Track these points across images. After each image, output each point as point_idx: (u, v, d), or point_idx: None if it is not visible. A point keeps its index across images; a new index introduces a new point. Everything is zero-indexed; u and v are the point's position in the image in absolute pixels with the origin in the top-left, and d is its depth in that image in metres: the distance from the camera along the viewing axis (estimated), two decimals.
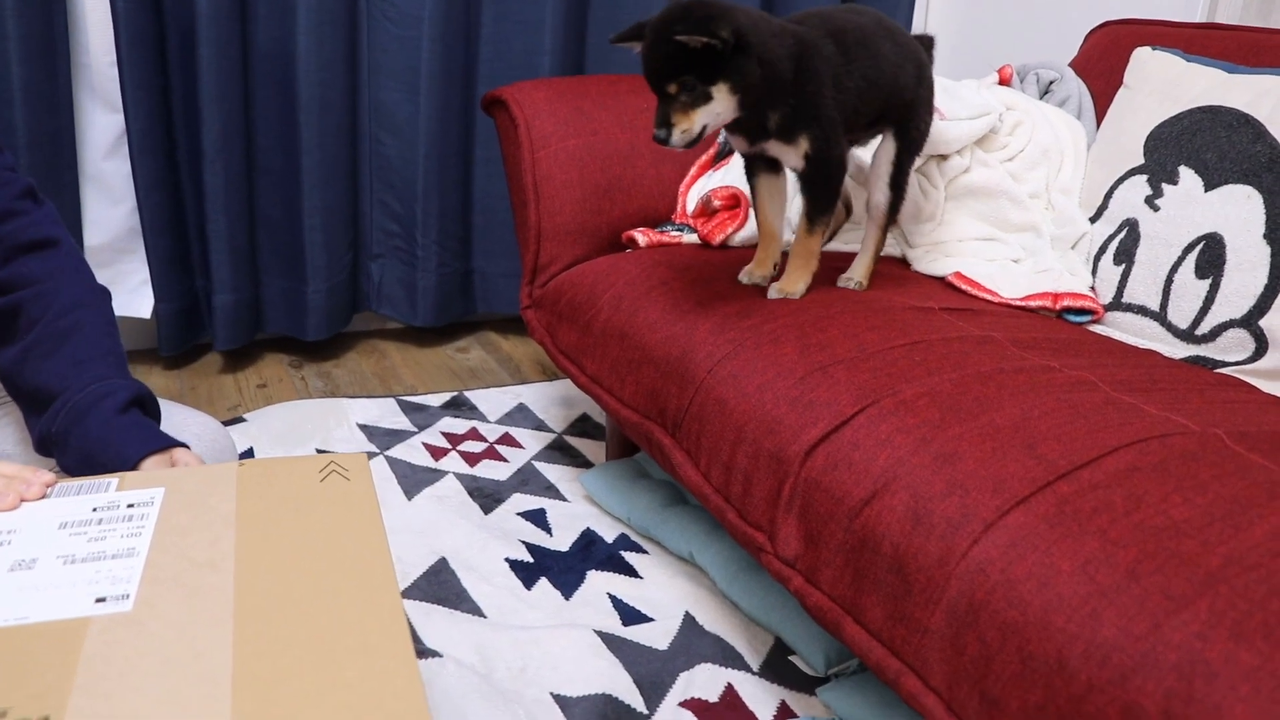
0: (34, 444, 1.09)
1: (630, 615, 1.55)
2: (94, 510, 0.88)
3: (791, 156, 1.47)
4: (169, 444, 1.06)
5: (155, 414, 1.13)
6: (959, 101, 1.82)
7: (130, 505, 0.89)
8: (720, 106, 1.36)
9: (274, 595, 0.77)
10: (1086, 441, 1.03)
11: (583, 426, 2.21)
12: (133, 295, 2.37)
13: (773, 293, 1.50)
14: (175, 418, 1.20)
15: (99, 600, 0.76)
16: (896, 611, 1.00)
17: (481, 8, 2.47)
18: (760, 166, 1.54)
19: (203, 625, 0.73)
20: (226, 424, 2.09)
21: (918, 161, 1.79)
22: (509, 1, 2.47)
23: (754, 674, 1.44)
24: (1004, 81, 2.03)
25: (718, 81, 1.34)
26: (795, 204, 1.62)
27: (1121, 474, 0.97)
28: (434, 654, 1.42)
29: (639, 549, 1.73)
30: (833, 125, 1.46)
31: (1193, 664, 0.76)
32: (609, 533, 1.77)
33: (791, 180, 1.56)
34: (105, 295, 1.17)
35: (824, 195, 1.50)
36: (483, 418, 2.23)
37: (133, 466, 1.02)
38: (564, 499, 1.90)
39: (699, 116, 1.35)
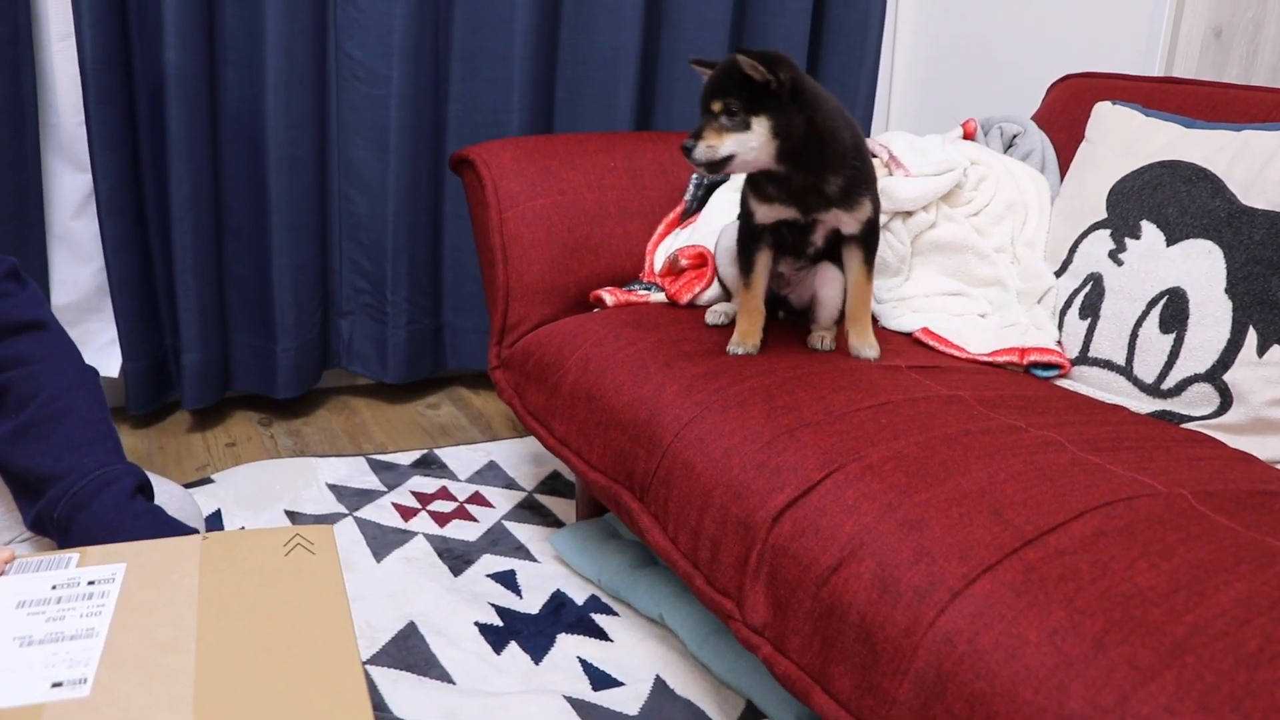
0: (27, 524, 1.08)
1: (600, 679, 1.54)
2: (53, 588, 0.87)
3: (851, 221, 1.53)
4: (184, 532, 1.06)
5: (151, 496, 1.13)
6: (924, 157, 1.84)
7: (91, 583, 0.88)
8: (755, 141, 1.40)
9: (235, 676, 0.76)
10: (1053, 505, 1.03)
11: (553, 484, 2.20)
12: (100, 354, 2.35)
13: (868, 352, 1.55)
14: None
15: (55, 685, 0.74)
16: (865, 681, 0.99)
17: (450, 66, 2.48)
18: (766, 242, 1.57)
19: (162, 710, 0.72)
20: (194, 485, 2.07)
21: (882, 219, 1.80)
22: (478, 60, 2.48)
23: None
24: (968, 135, 2.05)
25: (760, 115, 1.39)
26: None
27: (1088, 539, 0.97)
28: None
29: (609, 611, 1.72)
30: (877, 191, 1.56)
31: None
32: (579, 594, 1.76)
33: None
34: (95, 376, 1.17)
35: (875, 248, 1.59)
36: (453, 476, 2.21)
37: None
38: (534, 559, 1.88)
39: (730, 140, 1.40)
